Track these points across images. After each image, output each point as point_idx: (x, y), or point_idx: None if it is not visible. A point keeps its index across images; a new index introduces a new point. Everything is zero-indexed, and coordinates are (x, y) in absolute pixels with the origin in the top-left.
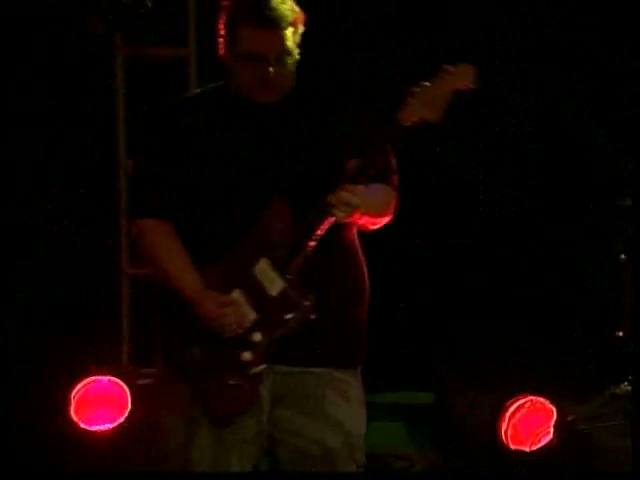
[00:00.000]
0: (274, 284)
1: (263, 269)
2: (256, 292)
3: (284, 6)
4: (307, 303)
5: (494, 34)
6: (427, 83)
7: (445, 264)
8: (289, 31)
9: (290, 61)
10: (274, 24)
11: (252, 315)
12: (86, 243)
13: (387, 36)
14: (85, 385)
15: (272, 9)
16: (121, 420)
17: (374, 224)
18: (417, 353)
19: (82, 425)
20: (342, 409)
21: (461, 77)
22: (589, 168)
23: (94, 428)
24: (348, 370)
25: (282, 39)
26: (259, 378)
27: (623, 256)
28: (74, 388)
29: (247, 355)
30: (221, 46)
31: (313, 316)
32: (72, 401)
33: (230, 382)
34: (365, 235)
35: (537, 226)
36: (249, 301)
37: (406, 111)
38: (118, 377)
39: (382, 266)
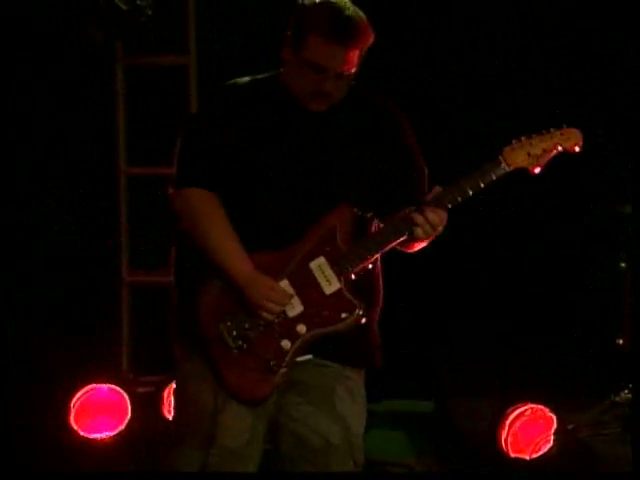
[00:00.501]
0: (330, 284)
1: (321, 267)
2: (308, 287)
3: (362, 25)
4: (360, 308)
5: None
6: (537, 136)
7: (445, 266)
8: (358, 51)
9: (349, 77)
10: (348, 42)
11: (299, 307)
12: (86, 250)
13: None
14: (85, 393)
15: (350, 27)
16: (121, 428)
17: (418, 247)
18: (417, 361)
19: (82, 433)
20: (347, 405)
21: (569, 139)
22: (589, 169)
23: (94, 436)
24: (355, 369)
25: (350, 58)
26: (294, 366)
27: (623, 264)
28: (74, 396)
29: (286, 343)
30: (285, 43)
31: (364, 320)
32: (72, 409)
33: (272, 363)
34: None
35: (537, 227)
36: (297, 293)
37: (513, 157)
38: (118, 385)
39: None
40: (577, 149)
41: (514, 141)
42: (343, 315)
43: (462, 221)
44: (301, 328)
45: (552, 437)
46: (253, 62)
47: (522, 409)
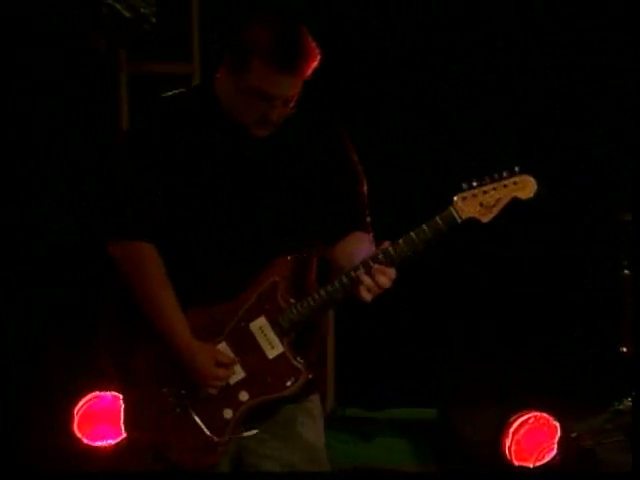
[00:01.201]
0: (273, 347)
1: (262, 329)
2: (249, 351)
3: (309, 50)
4: (302, 365)
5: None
6: (490, 184)
7: (445, 268)
8: (305, 76)
9: (293, 101)
10: (296, 71)
11: (241, 373)
12: (86, 253)
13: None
14: (88, 401)
15: (298, 54)
16: (124, 436)
17: None
18: (417, 364)
19: (85, 441)
20: (310, 428)
21: (524, 188)
22: (590, 170)
23: (97, 444)
24: (311, 394)
25: (297, 85)
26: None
27: (626, 271)
28: (77, 404)
29: (228, 412)
30: (225, 63)
31: (311, 375)
32: (75, 417)
33: (215, 440)
34: None
35: (538, 229)
36: (238, 357)
37: (464, 208)
38: None
39: None
40: (531, 197)
41: (464, 185)
42: (288, 383)
43: (462, 222)
44: (243, 395)
45: (556, 445)
46: None
47: (526, 417)
